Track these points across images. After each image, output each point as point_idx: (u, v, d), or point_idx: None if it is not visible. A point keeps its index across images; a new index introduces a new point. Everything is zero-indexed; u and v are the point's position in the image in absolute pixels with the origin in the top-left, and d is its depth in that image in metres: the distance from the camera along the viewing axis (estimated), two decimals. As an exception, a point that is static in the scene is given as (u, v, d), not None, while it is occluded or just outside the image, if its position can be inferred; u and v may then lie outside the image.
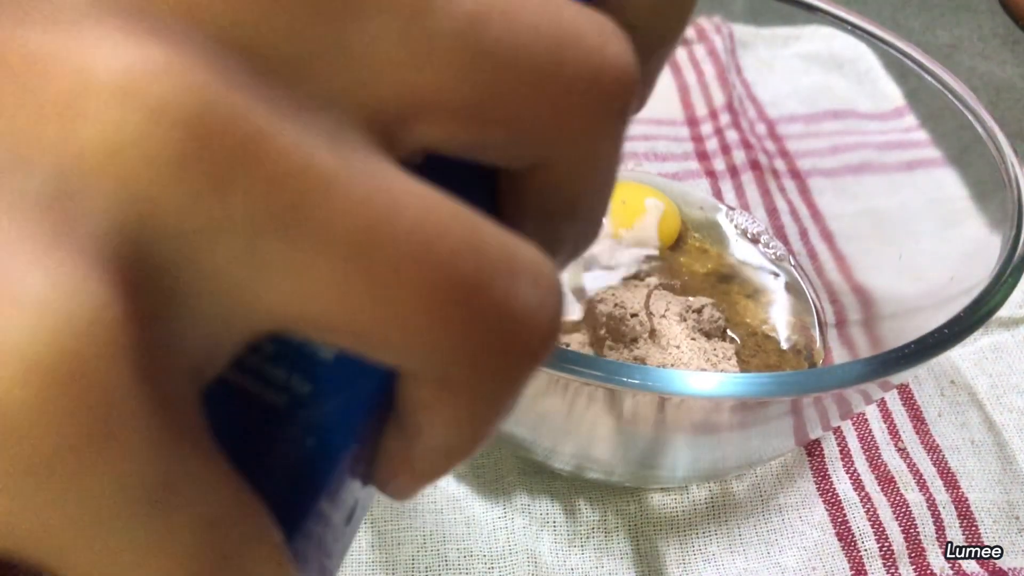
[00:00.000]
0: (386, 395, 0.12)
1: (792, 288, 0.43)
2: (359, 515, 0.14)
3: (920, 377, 0.41)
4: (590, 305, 0.38)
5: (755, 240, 0.45)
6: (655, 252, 0.43)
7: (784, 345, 0.40)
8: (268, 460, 0.12)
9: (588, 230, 0.14)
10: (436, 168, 0.11)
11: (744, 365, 0.38)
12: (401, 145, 0.11)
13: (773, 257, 0.44)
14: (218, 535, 0.09)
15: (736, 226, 0.46)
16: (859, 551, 0.35)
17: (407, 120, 0.11)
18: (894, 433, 0.39)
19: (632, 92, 0.12)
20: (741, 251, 0.44)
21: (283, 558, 0.10)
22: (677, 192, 0.47)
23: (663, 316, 0.38)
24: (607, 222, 0.43)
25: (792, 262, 0.44)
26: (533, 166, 0.12)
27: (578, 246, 0.14)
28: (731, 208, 0.47)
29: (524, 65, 0.11)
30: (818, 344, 0.40)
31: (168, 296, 0.09)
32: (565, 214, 0.13)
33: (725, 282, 0.42)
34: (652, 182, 0.48)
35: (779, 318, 0.41)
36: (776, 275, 0.43)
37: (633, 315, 0.37)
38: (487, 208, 0.11)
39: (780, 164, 0.47)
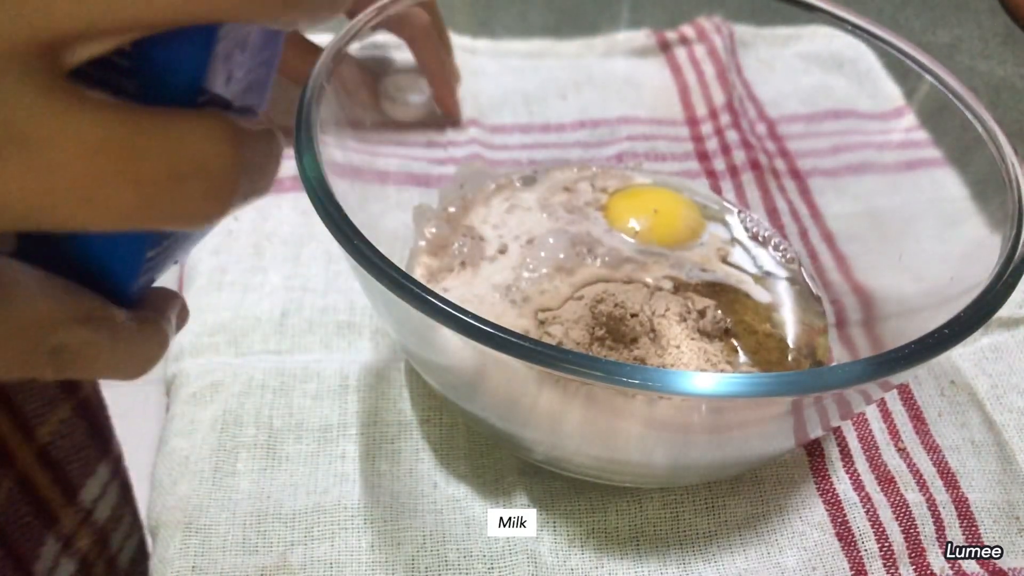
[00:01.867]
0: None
1: (794, 288, 0.43)
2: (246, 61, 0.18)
3: (920, 377, 0.41)
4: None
5: (765, 243, 0.45)
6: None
7: (786, 345, 0.40)
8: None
9: None
10: None
11: (745, 365, 0.38)
12: None
13: (782, 260, 0.44)
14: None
15: (747, 229, 0.45)
16: (859, 551, 0.35)
17: None
18: (894, 433, 0.39)
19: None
20: (746, 251, 0.44)
21: None
22: (689, 193, 0.47)
23: (663, 316, 0.38)
24: (636, 228, 0.43)
25: (795, 262, 0.44)
26: None
27: None
28: (740, 210, 0.47)
29: None
30: (820, 344, 0.40)
31: None
32: None
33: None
34: (669, 183, 0.48)
35: (781, 318, 0.41)
36: (779, 275, 0.43)
37: (633, 315, 0.37)
38: None
39: (780, 164, 0.47)
